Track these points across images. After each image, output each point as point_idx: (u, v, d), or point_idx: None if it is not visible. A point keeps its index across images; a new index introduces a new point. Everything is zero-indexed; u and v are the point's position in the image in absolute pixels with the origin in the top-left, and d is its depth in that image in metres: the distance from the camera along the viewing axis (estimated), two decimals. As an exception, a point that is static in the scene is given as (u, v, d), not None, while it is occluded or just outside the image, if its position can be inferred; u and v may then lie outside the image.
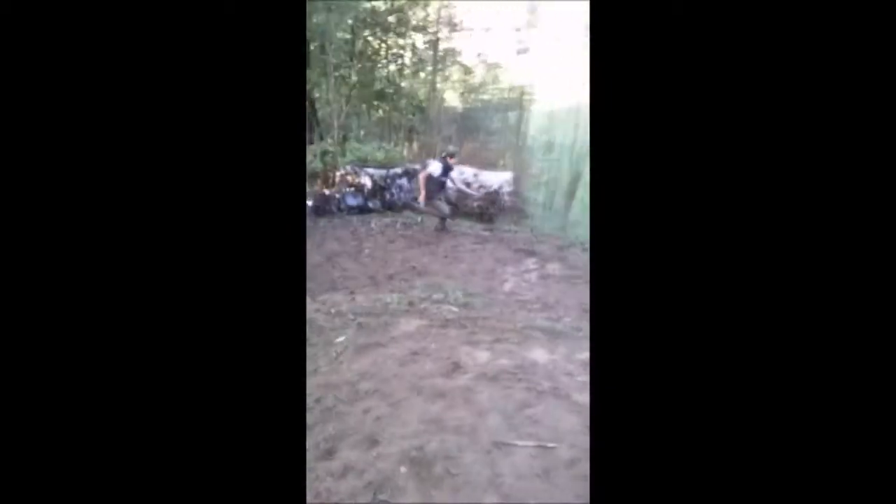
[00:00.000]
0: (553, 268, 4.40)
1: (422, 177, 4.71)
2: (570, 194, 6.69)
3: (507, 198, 5.82)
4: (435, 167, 4.63)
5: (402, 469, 1.79)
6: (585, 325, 3.34)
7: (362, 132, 7.66)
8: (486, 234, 5.14)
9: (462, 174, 6.07)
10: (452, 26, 7.57)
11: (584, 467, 1.91)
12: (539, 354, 2.67)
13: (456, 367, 2.45)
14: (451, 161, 4.77)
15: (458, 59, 7.88)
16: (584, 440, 2.04)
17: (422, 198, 4.77)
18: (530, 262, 4.48)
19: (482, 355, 2.60)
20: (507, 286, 3.92)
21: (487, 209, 5.71)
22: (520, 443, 1.99)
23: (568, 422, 2.16)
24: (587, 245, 5.02)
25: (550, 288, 3.97)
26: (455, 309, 3.15)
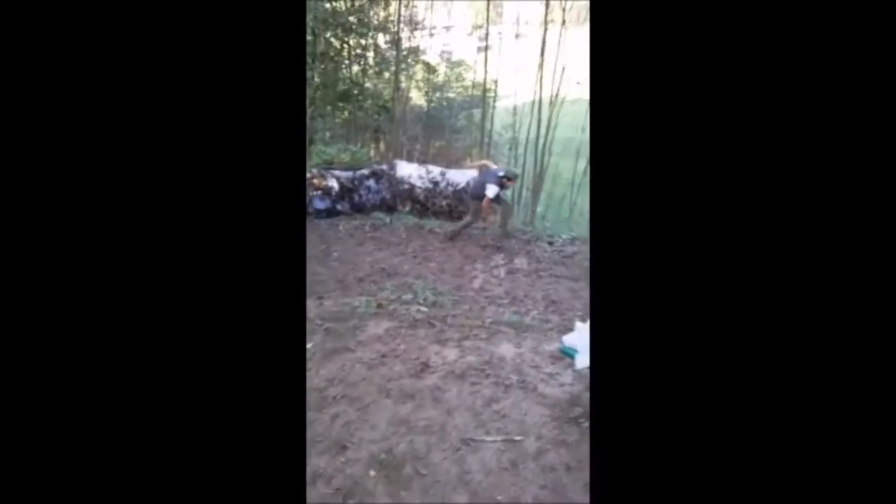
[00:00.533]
0: (521, 262, 4.46)
1: (486, 204, 4.64)
2: (537, 189, 6.78)
3: (474, 195, 5.85)
4: (491, 190, 4.58)
5: (371, 473, 1.80)
6: (552, 318, 3.41)
7: (328, 134, 7.56)
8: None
9: (430, 173, 6.07)
10: (414, 25, 7.55)
11: (551, 458, 1.96)
12: (506, 349, 2.71)
13: (425, 367, 2.47)
14: (507, 183, 4.68)
15: (422, 57, 7.87)
16: (550, 431, 2.10)
17: (489, 218, 4.67)
18: (499, 258, 4.53)
19: (451, 353, 2.62)
20: (477, 283, 3.96)
21: (456, 207, 5.73)
22: (488, 438, 2.03)
23: (535, 414, 2.20)
24: (553, 238, 5.10)
25: (518, 282, 4.03)
26: (424, 309, 3.17)
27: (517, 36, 9.61)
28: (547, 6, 6.36)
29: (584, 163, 6.74)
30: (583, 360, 1.99)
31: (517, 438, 2.04)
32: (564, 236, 5.21)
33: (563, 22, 6.51)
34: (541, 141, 6.46)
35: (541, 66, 6.40)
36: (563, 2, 6.40)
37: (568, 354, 2.08)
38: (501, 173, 4.70)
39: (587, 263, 4.28)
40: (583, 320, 2.75)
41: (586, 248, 4.82)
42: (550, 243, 5.00)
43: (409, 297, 3.34)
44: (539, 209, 6.88)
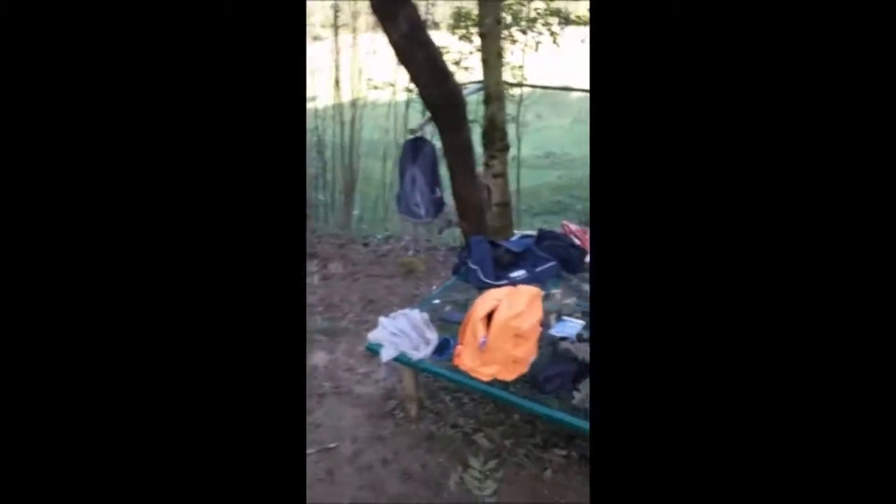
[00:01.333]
0: (335, 267, 4.39)
1: None
2: (350, 191, 6.75)
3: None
4: None
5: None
6: (369, 318, 3.42)
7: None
8: (264, 243, 4.83)
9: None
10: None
11: (367, 457, 1.96)
12: (319, 358, 2.64)
13: (226, 395, 2.25)
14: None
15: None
16: (365, 431, 2.10)
17: None
18: (312, 265, 4.38)
19: (257, 374, 2.44)
20: (289, 294, 3.77)
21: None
22: (299, 453, 1.94)
23: (350, 416, 2.19)
24: (368, 239, 5.15)
25: (334, 287, 3.96)
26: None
27: (315, 38, 9.40)
28: (335, 11, 6.36)
29: (391, 164, 6.95)
30: (387, 353, 2.03)
31: (331, 446, 2.00)
32: (379, 237, 5.30)
33: (354, 29, 6.59)
34: (346, 143, 6.45)
35: (337, 68, 6.37)
36: (352, 6, 6.48)
37: (374, 350, 2.11)
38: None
39: (400, 259, 4.43)
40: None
41: (400, 246, 4.98)
42: (366, 244, 5.03)
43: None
44: (356, 212, 6.87)
